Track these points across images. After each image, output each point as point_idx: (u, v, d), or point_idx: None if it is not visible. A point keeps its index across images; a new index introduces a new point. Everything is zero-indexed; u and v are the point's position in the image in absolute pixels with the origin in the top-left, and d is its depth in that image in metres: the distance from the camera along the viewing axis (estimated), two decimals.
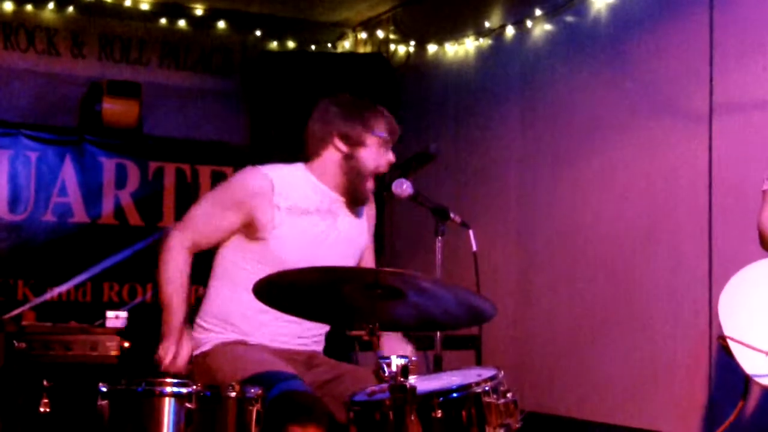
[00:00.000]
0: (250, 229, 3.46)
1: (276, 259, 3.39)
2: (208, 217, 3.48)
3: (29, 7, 7.29)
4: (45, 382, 2.91)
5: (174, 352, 3.31)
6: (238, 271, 3.49)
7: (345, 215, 3.59)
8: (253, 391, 2.94)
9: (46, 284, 6.50)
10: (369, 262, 3.76)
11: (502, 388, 2.81)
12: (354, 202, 3.57)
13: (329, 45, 8.12)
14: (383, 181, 3.63)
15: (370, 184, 3.54)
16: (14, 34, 7.33)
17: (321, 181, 3.53)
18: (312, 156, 3.56)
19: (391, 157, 3.54)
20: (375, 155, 3.50)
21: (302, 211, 3.48)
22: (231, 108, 7.75)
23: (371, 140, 3.49)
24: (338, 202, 3.56)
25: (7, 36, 7.29)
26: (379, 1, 7.55)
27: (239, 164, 6.84)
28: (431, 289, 2.75)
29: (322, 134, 3.53)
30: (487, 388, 2.76)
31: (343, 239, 3.57)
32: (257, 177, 3.48)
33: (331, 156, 3.52)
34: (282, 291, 2.86)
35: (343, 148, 3.49)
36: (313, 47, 8.06)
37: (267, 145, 7.06)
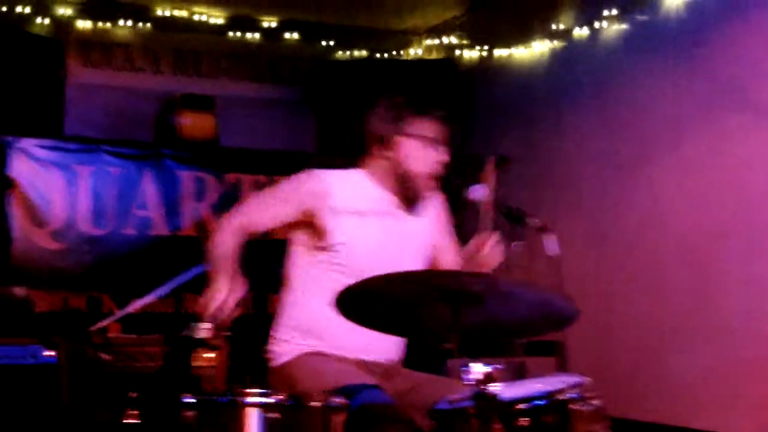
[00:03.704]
0: (313, 235, 3.44)
1: (344, 266, 3.38)
2: (262, 203, 3.52)
3: (106, 25, 7.43)
4: (132, 394, 2.96)
5: (220, 298, 3.28)
6: (310, 280, 3.47)
7: (405, 216, 3.56)
8: (337, 400, 2.96)
9: (130, 296, 6.58)
10: (451, 263, 3.73)
11: (587, 395, 2.79)
12: (406, 202, 3.55)
13: (398, 52, 8.15)
14: (459, 187, 3.61)
15: (425, 184, 3.50)
16: (92, 51, 7.48)
17: (376, 184, 3.52)
18: (366, 158, 3.56)
19: (440, 156, 3.50)
20: (417, 156, 3.46)
21: (361, 214, 3.45)
22: (303, 117, 7.81)
23: (408, 142, 3.46)
24: (396, 203, 3.54)
25: (86, 53, 7.44)
26: (447, 7, 7.56)
27: None
28: (511, 292, 2.73)
29: (369, 136, 3.53)
30: (572, 395, 2.74)
31: (407, 241, 3.54)
32: (314, 181, 3.47)
33: (378, 158, 3.51)
34: (361, 301, 2.87)
35: (384, 150, 3.49)
36: (382, 55, 8.09)
37: (338, 154, 7.10)
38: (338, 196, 3.43)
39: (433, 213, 3.68)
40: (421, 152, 3.45)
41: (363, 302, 2.84)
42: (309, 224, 3.45)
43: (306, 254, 3.51)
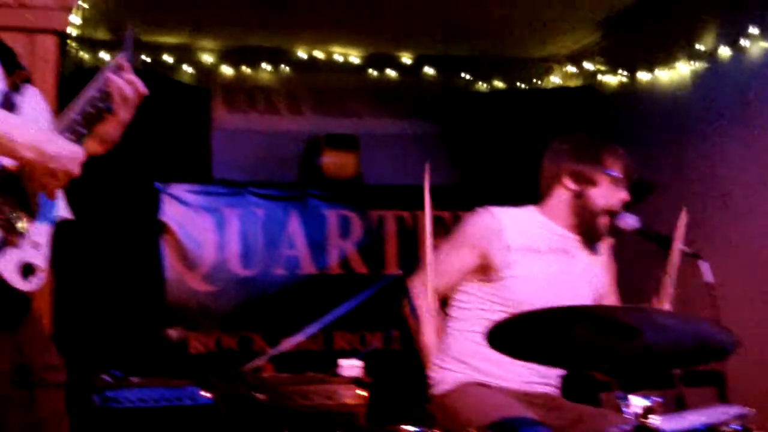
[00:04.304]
0: (483, 271, 3.48)
1: (510, 300, 3.41)
2: (443, 259, 3.54)
3: (247, 70, 7.61)
4: None
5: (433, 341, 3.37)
6: (473, 312, 3.51)
7: (580, 254, 3.56)
8: None
9: (280, 335, 6.68)
10: (612, 300, 3.71)
11: (751, 427, 2.70)
12: (588, 240, 3.55)
13: (537, 81, 8.10)
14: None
15: (604, 221, 3.50)
16: (235, 96, 7.66)
17: (553, 221, 3.52)
18: (543, 195, 3.57)
19: (624, 195, 3.49)
20: (606, 194, 3.46)
21: (534, 251, 3.48)
22: (445, 151, 7.81)
23: (602, 179, 3.46)
24: (572, 241, 3.53)
25: (229, 99, 7.63)
26: (585, 33, 7.48)
27: (456, 207, 6.98)
28: (668, 324, 2.68)
29: (552, 173, 3.53)
30: (735, 428, 2.67)
31: (578, 278, 3.54)
32: (488, 217, 3.51)
33: (562, 195, 3.51)
34: (515, 334, 2.85)
35: (573, 186, 3.48)
36: (521, 85, 8.06)
37: (482, 186, 7.09)
38: (511, 232, 3.46)
39: (605, 254, 3.67)
40: (611, 190, 3.46)
41: (516, 335, 2.83)
42: (483, 265, 3.48)
43: (472, 289, 3.54)
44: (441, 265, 3.52)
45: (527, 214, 3.56)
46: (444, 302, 3.60)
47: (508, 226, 3.47)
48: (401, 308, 3.56)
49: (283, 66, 7.63)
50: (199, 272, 6.66)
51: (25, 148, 1.99)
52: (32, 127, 2.08)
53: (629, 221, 3.55)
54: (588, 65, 7.65)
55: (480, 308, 3.49)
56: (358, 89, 7.83)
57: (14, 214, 2.04)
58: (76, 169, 2.14)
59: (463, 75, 7.95)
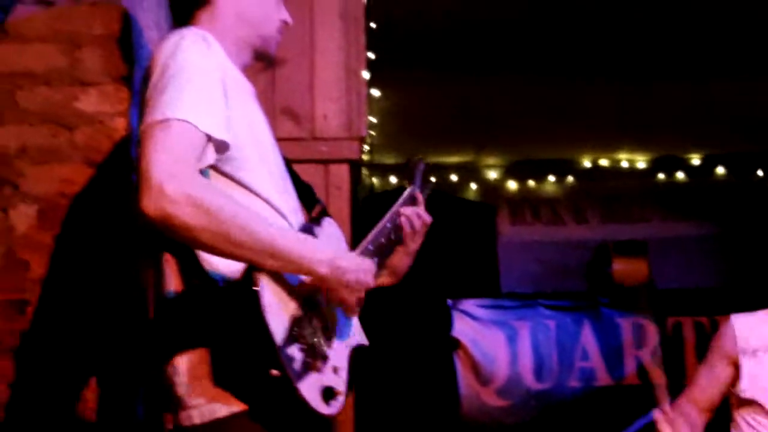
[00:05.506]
0: (735, 383, 3.36)
1: (761, 409, 3.22)
2: (702, 373, 3.42)
3: (532, 183, 7.67)
4: None
5: None
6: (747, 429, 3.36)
7: None
8: None
9: None
10: None
11: None
12: None
13: None
14: None
15: None
16: (519, 209, 7.72)
17: None
18: None
19: None
20: None
21: (765, 350, 3.31)
22: (738, 252, 7.51)
23: None
24: None
25: (514, 212, 7.70)
26: None
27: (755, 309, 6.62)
28: None
29: None
30: None
31: None
32: (725, 326, 3.38)
33: None
34: None
35: None
36: None
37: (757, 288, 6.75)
38: (743, 338, 3.32)
39: None
40: None
41: None
42: (733, 373, 3.35)
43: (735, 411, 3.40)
44: (698, 385, 3.41)
45: (759, 314, 3.40)
46: None
47: (739, 330, 3.33)
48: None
49: (567, 176, 7.63)
50: (492, 387, 6.67)
51: (321, 263, 2.09)
52: (327, 246, 2.20)
53: None
54: None
55: (742, 425, 3.34)
56: (645, 194, 7.70)
57: (316, 340, 2.12)
58: (369, 280, 2.22)
59: (758, 172, 7.65)
